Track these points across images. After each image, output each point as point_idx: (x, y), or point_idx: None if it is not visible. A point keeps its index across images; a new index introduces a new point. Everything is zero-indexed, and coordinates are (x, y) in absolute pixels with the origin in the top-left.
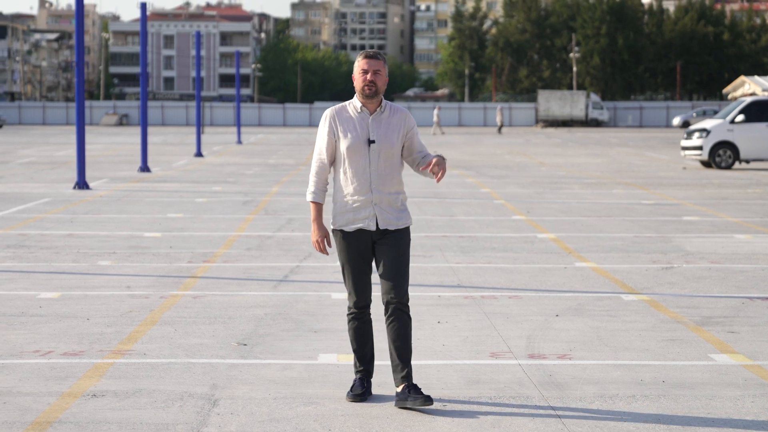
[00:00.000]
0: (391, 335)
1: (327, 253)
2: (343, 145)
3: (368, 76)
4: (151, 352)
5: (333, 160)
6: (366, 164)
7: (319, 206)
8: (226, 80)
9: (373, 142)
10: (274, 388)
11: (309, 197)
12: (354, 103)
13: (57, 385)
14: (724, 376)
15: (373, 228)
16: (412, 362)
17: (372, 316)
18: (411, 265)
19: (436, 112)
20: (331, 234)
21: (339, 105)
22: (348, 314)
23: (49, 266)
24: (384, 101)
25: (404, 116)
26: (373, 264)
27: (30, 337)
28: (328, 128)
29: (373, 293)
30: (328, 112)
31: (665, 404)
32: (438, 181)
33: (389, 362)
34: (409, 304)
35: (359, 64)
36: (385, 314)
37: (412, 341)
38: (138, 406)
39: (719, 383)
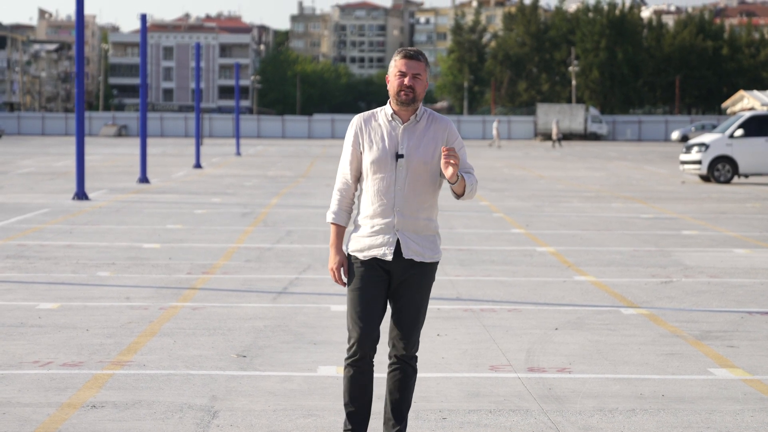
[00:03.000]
0: (390, 386)
1: (344, 284)
2: (367, 158)
3: (406, 80)
4: (150, 364)
5: (358, 176)
6: (391, 182)
7: (339, 229)
8: (225, 92)
9: (401, 156)
10: (274, 400)
11: (329, 218)
12: (386, 110)
13: (56, 396)
14: (724, 391)
15: (390, 257)
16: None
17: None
18: None
19: (495, 125)
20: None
21: (368, 112)
22: (345, 359)
23: (48, 277)
24: (422, 108)
25: (445, 127)
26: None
27: (29, 347)
28: (353, 138)
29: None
30: (355, 120)
31: (665, 418)
32: (450, 178)
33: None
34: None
35: (396, 64)
36: (389, 364)
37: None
38: (137, 417)
39: (719, 397)
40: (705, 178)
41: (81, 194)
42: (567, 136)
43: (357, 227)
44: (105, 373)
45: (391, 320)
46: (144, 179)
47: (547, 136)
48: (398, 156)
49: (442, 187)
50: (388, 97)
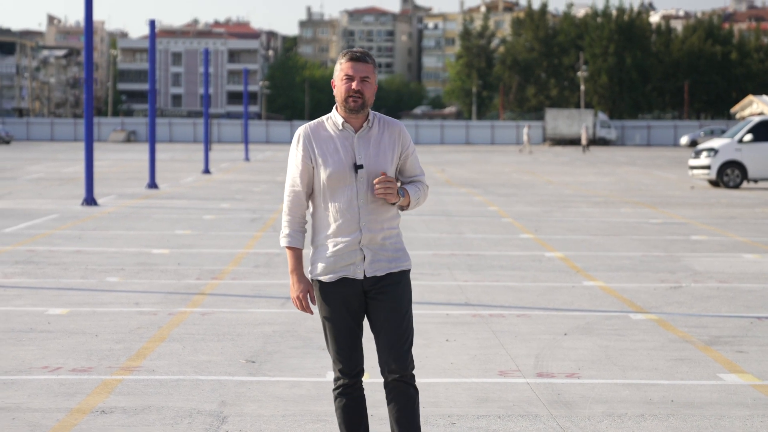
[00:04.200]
0: (394, 414)
1: (311, 312)
2: (323, 173)
3: (354, 84)
4: (159, 369)
5: (311, 192)
6: (353, 196)
7: (297, 252)
8: (233, 97)
9: (361, 167)
10: (283, 406)
11: (283, 242)
12: (334, 119)
13: (66, 401)
14: (733, 396)
15: (360, 276)
16: (420, 380)
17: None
18: (419, 284)
19: (526, 131)
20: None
21: (314, 122)
22: (334, 389)
23: (57, 282)
24: (371, 113)
25: (398, 131)
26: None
27: (39, 353)
28: (303, 151)
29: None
30: (301, 132)
31: (674, 423)
32: (390, 202)
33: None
34: (414, 370)
35: (342, 67)
36: (385, 389)
37: (420, 356)
38: (147, 422)
39: (728, 403)
40: (714, 183)
41: (90, 200)
42: (575, 142)
43: (317, 248)
44: (114, 378)
45: (377, 343)
46: (153, 185)
47: (556, 141)
48: (357, 167)
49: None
50: (392, 102)
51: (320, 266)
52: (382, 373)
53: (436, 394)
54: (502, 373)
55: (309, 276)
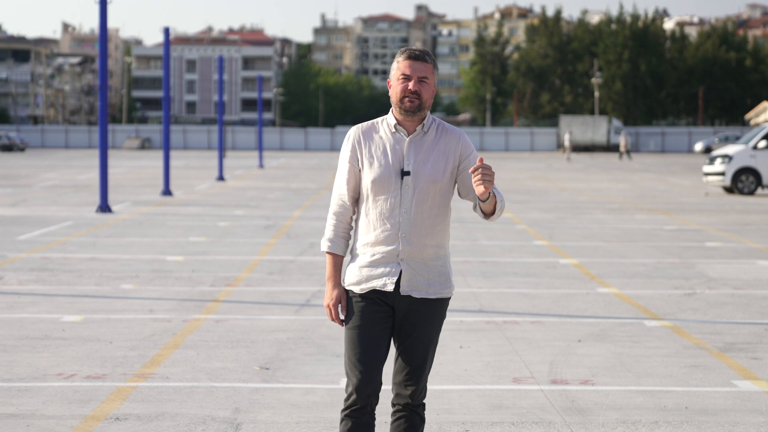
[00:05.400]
0: None
1: (341, 323)
2: (367, 176)
3: (411, 85)
4: (173, 376)
5: (357, 197)
6: (396, 204)
7: (336, 259)
8: (248, 104)
9: (408, 173)
10: (297, 413)
11: (324, 246)
12: (388, 120)
13: (80, 408)
14: (748, 403)
15: (391, 288)
16: (434, 387)
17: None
18: None
19: (567, 136)
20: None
21: (368, 123)
22: (343, 409)
23: (72, 289)
24: (430, 117)
25: (457, 139)
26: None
27: (53, 360)
28: (351, 153)
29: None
30: (352, 132)
31: (688, 430)
32: (481, 196)
33: None
34: (425, 399)
35: (399, 66)
36: (392, 412)
37: (434, 363)
38: (161, 429)
39: (742, 410)
40: (728, 190)
41: (104, 207)
42: (589, 148)
43: (354, 257)
44: (128, 385)
45: (395, 363)
46: (167, 192)
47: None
48: (404, 173)
49: (469, 201)
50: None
51: (353, 276)
52: (394, 392)
53: (450, 400)
54: (516, 380)
55: (344, 283)
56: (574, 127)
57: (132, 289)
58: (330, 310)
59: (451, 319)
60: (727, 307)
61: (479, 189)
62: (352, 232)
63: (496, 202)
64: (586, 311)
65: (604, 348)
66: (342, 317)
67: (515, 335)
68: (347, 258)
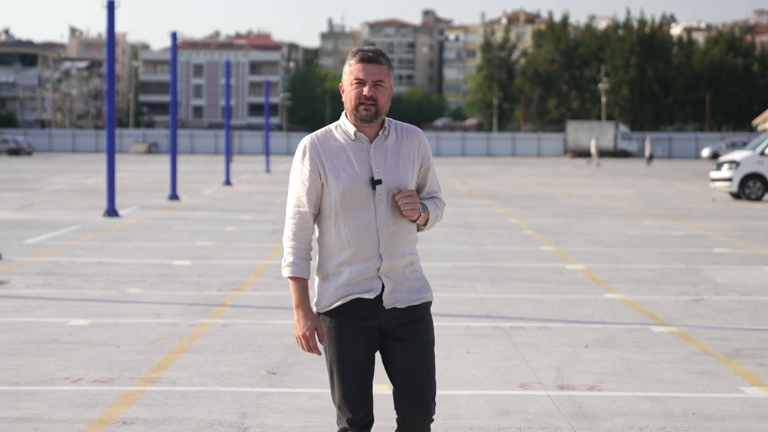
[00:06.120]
0: None
1: (319, 352)
2: (334, 190)
3: (365, 90)
4: (180, 380)
5: (317, 214)
6: (370, 216)
7: (302, 284)
8: (255, 109)
9: (380, 182)
10: (304, 417)
11: (286, 272)
12: (344, 127)
13: (87, 412)
14: (755, 409)
15: (372, 296)
16: (441, 392)
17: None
18: (440, 296)
19: (593, 143)
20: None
21: (321, 131)
22: None
23: (79, 293)
24: (387, 120)
25: (417, 139)
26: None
27: (60, 364)
28: (310, 166)
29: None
30: (306, 143)
31: None
32: (411, 219)
33: None
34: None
35: (352, 69)
36: (398, 426)
37: (441, 369)
38: None
39: (750, 416)
40: (736, 196)
41: (111, 211)
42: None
43: (326, 278)
44: (135, 389)
45: (395, 386)
46: (174, 196)
47: (577, 153)
48: (375, 182)
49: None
50: (413, 114)
51: (329, 297)
52: (398, 412)
53: (457, 406)
54: (523, 386)
55: (315, 309)
56: (581, 133)
57: (139, 293)
58: (305, 341)
59: (458, 324)
60: (735, 314)
61: (408, 215)
62: (313, 253)
63: (429, 217)
64: (593, 317)
65: (611, 354)
66: (320, 347)
67: (522, 340)
68: (316, 281)
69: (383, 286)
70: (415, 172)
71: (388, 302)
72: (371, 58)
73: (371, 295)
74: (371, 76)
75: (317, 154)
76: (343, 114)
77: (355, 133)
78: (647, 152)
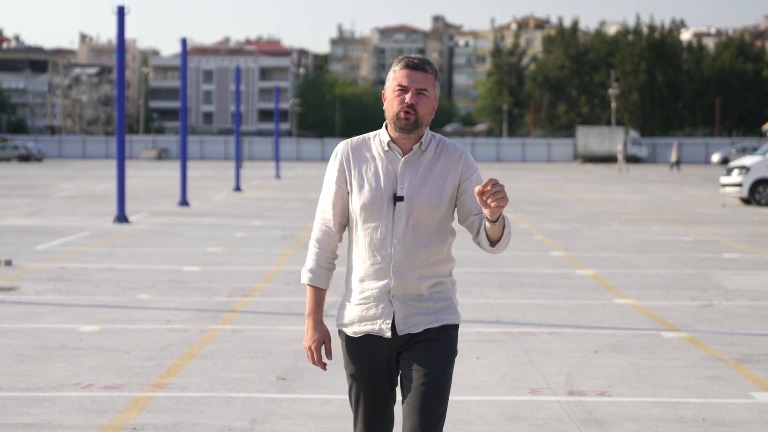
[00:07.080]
0: None
1: (324, 367)
2: (356, 200)
3: (407, 98)
4: (190, 386)
5: (344, 223)
6: (387, 233)
7: (318, 293)
8: (264, 115)
9: (401, 199)
10: (314, 423)
11: (304, 278)
12: (381, 137)
13: (97, 418)
14: (765, 415)
15: (388, 334)
16: (451, 398)
17: None
18: None
19: (620, 148)
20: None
21: (358, 138)
22: None
23: (89, 299)
24: (429, 134)
25: (458, 158)
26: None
27: (70, 370)
28: (338, 173)
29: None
30: (340, 148)
31: None
32: (491, 215)
33: None
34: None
35: (396, 76)
36: None
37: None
38: None
39: (760, 421)
40: (746, 201)
41: (121, 217)
42: (606, 159)
43: (347, 291)
44: (145, 395)
45: (404, 405)
46: (184, 202)
47: (587, 159)
48: (396, 198)
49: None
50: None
51: (345, 315)
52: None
53: (467, 411)
54: (533, 391)
55: (336, 323)
56: (591, 138)
57: (149, 299)
58: (309, 354)
59: (468, 330)
60: (745, 319)
61: (487, 210)
62: (336, 262)
63: (504, 228)
64: (602, 322)
65: (621, 359)
66: (325, 361)
67: (532, 346)
68: (342, 292)
69: (394, 312)
70: (447, 193)
71: (401, 327)
72: (417, 65)
73: (386, 334)
74: (415, 83)
75: (347, 161)
76: (384, 124)
77: (388, 143)
78: (673, 157)
